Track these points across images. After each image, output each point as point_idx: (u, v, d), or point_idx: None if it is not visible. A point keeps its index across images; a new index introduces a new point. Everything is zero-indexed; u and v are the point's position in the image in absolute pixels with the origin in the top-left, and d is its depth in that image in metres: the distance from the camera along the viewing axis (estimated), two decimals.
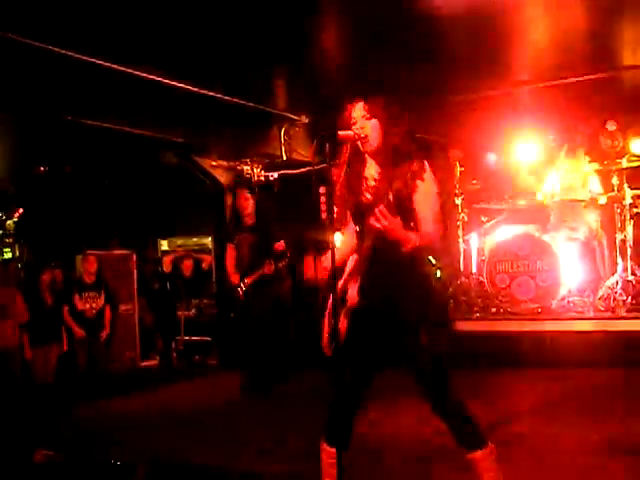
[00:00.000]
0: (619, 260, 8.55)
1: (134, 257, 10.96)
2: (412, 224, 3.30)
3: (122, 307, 10.39)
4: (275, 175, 10.58)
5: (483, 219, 9.82)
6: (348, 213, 3.52)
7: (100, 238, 11.61)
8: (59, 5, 5.80)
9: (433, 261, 9.17)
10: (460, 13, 6.30)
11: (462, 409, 3.38)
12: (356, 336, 3.38)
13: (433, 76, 8.09)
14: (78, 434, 6.41)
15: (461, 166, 9.86)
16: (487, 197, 9.94)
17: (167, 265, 12.09)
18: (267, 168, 10.61)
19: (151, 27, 6.45)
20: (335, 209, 3.39)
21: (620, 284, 8.41)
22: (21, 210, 13.22)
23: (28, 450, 5.10)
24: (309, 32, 7.02)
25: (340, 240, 3.57)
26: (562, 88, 8.65)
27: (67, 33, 6.39)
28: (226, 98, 8.64)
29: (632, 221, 8.68)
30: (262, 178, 10.47)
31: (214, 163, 10.76)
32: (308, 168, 9.44)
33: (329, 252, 3.21)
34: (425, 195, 3.30)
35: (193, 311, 11.40)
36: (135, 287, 10.88)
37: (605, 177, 9.05)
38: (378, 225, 3.10)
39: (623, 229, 8.63)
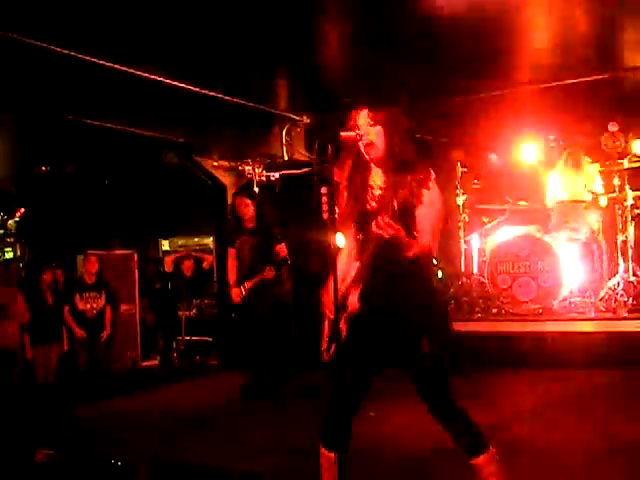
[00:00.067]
0: (620, 261, 8.55)
1: (135, 257, 10.96)
2: (415, 233, 3.28)
3: (123, 307, 10.39)
4: (276, 175, 10.58)
5: (484, 220, 9.82)
6: (350, 221, 3.51)
7: (101, 238, 11.61)
8: (60, 5, 5.81)
9: (435, 262, 9.16)
10: (462, 13, 6.30)
11: (463, 415, 3.37)
12: (355, 342, 3.38)
13: (435, 76, 8.09)
14: (79, 434, 6.41)
15: (462, 167, 9.86)
16: (488, 198, 9.94)
17: (168, 265, 12.08)
18: (268, 168, 10.60)
19: (152, 27, 6.45)
20: (339, 216, 3.39)
21: (621, 285, 8.41)
22: (22, 210, 13.23)
23: (29, 450, 5.10)
24: (310, 32, 7.01)
25: (341, 254, 3.56)
26: (564, 89, 8.64)
27: (68, 33, 6.39)
28: (227, 98, 8.64)
29: (633, 222, 8.69)
30: (263, 178, 10.46)
31: (215, 163, 10.77)
32: (310, 168, 9.46)
33: (330, 283, 3.22)
34: (428, 206, 3.27)
35: (194, 311, 11.41)
36: (136, 287, 10.88)
37: (606, 178, 9.05)
38: (383, 233, 3.08)
39: (624, 230, 8.63)
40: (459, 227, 9.75)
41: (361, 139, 3.37)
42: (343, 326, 3.35)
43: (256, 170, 10.43)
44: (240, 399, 7.49)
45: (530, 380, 7.21)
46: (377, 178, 3.46)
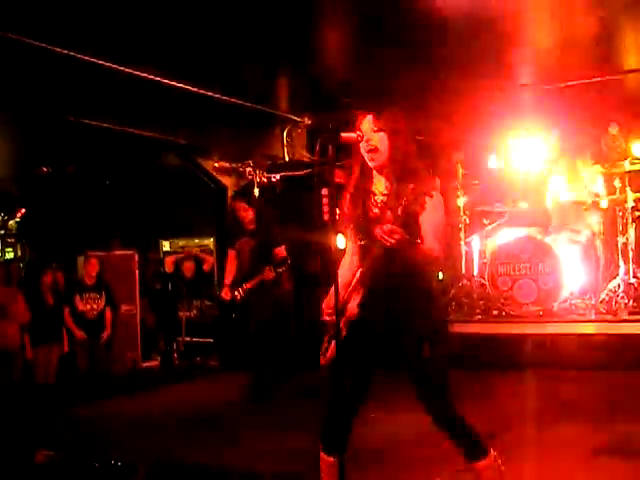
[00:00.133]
0: (621, 263, 8.55)
1: (136, 258, 10.96)
2: (418, 240, 3.27)
3: (124, 308, 10.38)
4: (277, 177, 10.58)
5: (485, 221, 9.82)
6: (352, 226, 3.50)
7: (102, 239, 11.61)
8: (61, 5, 5.81)
9: (440, 269, 9.19)
10: (463, 15, 6.31)
11: (463, 421, 3.38)
12: (355, 347, 3.38)
13: (436, 78, 8.10)
14: (79, 434, 6.40)
15: (463, 168, 9.85)
16: (489, 199, 9.93)
17: (169, 266, 12.09)
18: (269, 169, 10.61)
19: (154, 28, 6.46)
20: (340, 221, 3.40)
21: (622, 287, 8.40)
22: (23, 210, 13.24)
23: (29, 450, 5.10)
24: (311, 33, 7.02)
25: (342, 260, 3.56)
26: (565, 91, 8.65)
27: (70, 34, 6.40)
28: (229, 99, 8.65)
29: (634, 224, 8.68)
30: (264, 180, 10.47)
31: (216, 164, 10.77)
32: (311, 170, 9.47)
33: (330, 295, 3.22)
34: (431, 212, 3.24)
35: (195, 312, 11.41)
36: (137, 288, 10.88)
37: (607, 180, 9.05)
38: (388, 240, 3.06)
39: (625, 232, 8.62)
40: (460, 229, 9.74)
41: (361, 140, 3.37)
42: (343, 331, 3.35)
43: (257, 171, 10.44)
44: (241, 400, 7.49)
45: (530, 382, 7.19)
46: (379, 184, 3.45)
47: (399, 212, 3.06)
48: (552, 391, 6.81)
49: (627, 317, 8.15)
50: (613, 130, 9.08)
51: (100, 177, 12.12)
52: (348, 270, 3.50)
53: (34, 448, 5.14)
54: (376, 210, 3.39)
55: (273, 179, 10.63)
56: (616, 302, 8.35)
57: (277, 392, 7.55)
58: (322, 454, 3.46)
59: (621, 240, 8.62)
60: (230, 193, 10.71)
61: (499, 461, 3.41)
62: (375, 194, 3.44)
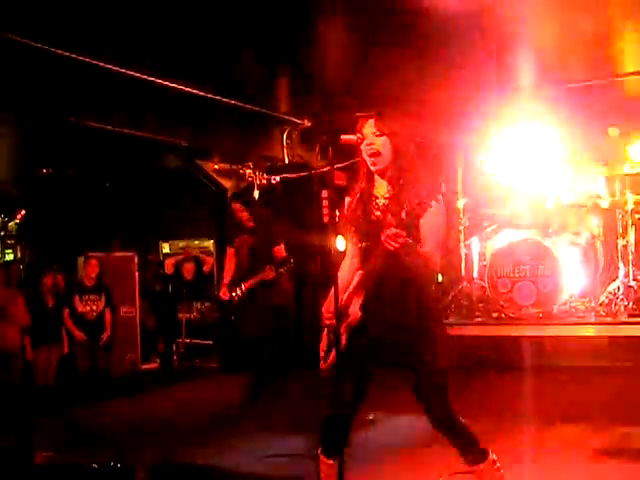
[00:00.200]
0: (621, 265, 8.55)
1: (136, 259, 10.97)
2: (418, 244, 3.26)
3: (123, 309, 10.39)
4: (277, 178, 10.58)
5: (485, 224, 9.81)
6: (353, 229, 3.50)
7: (102, 240, 11.61)
8: (62, 6, 5.82)
9: (439, 274, 9.18)
10: (464, 17, 6.31)
11: (462, 425, 3.38)
12: (356, 352, 3.38)
13: (435, 80, 8.09)
14: (78, 436, 6.41)
15: (463, 171, 9.85)
16: (489, 202, 9.93)
17: (169, 268, 12.09)
18: (269, 171, 10.61)
19: (155, 30, 6.46)
20: (341, 224, 3.40)
21: (622, 289, 8.40)
22: (23, 212, 13.23)
23: (29, 451, 5.11)
24: (311, 34, 7.02)
25: (342, 263, 3.56)
26: (564, 93, 8.65)
27: (70, 35, 6.40)
28: (229, 101, 8.66)
29: (634, 227, 8.68)
30: (264, 181, 10.46)
31: (216, 166, 10.77)
32: (310, 172, 9.47)
33: (329, 299, 3.22)
34: (433, 217, 3.22)
35: (194, 314, 11.41)
36: (137, 289, 10.88)
37: (607, 183, 9.05)
38: (392, 244, 3.05)
39: (625, 234, 8.62)
40: (459, 231, 9.73)
41: (361, 143, 3.37)
42: (343, 334, 3.35)
43: (257, 173, 10.43)
44: (240, 401, 7.48)
45: (530, 384, 7.20)
46: (381, 188, 3.45)
47: (403, 216, 3.06)
48: (552, 393, 6.81)
49: (627, 319, 8.14)
50: (613, 133, 9.08)
51: (100, 179, 12.12)
52: (347, 273, 3.50)
53: (34, 449, 5.15)
54: (378, 213, 3.39)
55: (273, 181, 10.63)
56: (616, 304, 8.34)
57: (277, 392, 7.54)
58: (321, 456, 3.47)
59: (621, 243, 8.62)
60: (230, 195, 10.71)
61: (498, 464, 3.41)
62: (377, 197, 3.44)
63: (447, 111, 9.18)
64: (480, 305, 9.27)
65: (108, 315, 9.40)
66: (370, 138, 3.36)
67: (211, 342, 11.04)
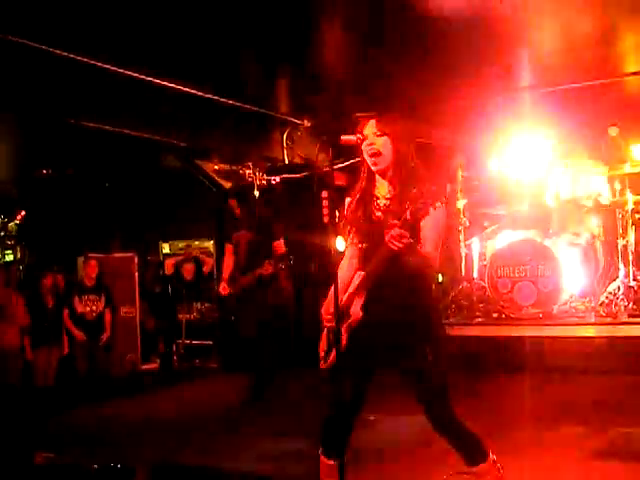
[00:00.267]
0: (621, 265, 8.54)
1: (136, 260, 10.96)
2: (418, 244, 3.25)
3: (123, 310, 10.39)
4: (277, 179, 10.58)
5: (485, 224, 9.82)
6: (353, 229, 3.50)
7: (102, 241, 11.61)
8: (62, 7, 5.81)
9: (439, 275, 9.19)
10: (463, 17, 6.31)
11: (462, 425, 3.38)
12: (357, 352, 3.38)
13: (436, 80, 8.09)
14: (78, 436, 6.40)
15: (463, 171, 9.85)
16: (489, 202, 9.93)
17: (169, 268, 12.10)
18: (269, 172, 10.61)
19: (155, 30, 6.46)
20: (341, 224, 3.40)
21: (622, 290, 8.40)
22: (23, 213, 13.23)
23: (29, 452, 5.10)
24: (311, 35, 7.02)
25: (341, 263, 3.55)
26: (565, 93, 8.65)
27: (70, 35, 6.40)
28: (229, 102, 8.66)
29: (634, 227, 8.68)
30: (264, 182, 10.47)
31: (216, 167, 10.77)
32: (310, 172, 9.47)
33: (329, 300, 3.22)
34: (434, 217, 3.22)
35: (194, 314, 11.40)
36: (137, 290, 10.88)
37: (607, 182, 9.05)
38: (397, 244, 3.05)
39: (625, 234, 8.62)
40: (460, 231, 9.73)
41: (362, 143, 3.37)
42: (344, 334, 3.34)
43: (257, 174, 10.44)
44: (240, 401, 7.47)
45: (530, 385, 7.19)
46: (382, 188, 3.45)
47: (408, 216, 3.05)
48: (552, 393, 6.80)
49: (627, 320, 8.15)
50: (613, 132, 9.08)
51: (100, 179, 12.12)
52: (347, 273, 3.49)
53: (33, 450, 5.15)
54: (379, 214, 3.39)
55: (273, 181, 10.63)
56: (616, 305, 8.35)
57: (277, 392, 7.54)
58: (322, 457, 3.46)
59: (621, 243, 8.62)
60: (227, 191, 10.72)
61: (498, 465, 3.41)
62: (378, 198, 3.44)
63: (448, 111, 9.17)
64: (480, 305, 9.27)
65: (108, 315, 9.40)
66: (371, 138, 3.36)
67: (211, 342, 11.04)
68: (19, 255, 13.46)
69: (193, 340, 11.14)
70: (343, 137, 3.30)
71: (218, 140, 9.77)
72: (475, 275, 9.67)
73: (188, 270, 11.64)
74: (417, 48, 7.14)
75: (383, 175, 3.43)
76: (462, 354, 7.79)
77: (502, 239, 9.52)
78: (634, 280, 8.44)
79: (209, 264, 11.89)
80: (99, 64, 6.98)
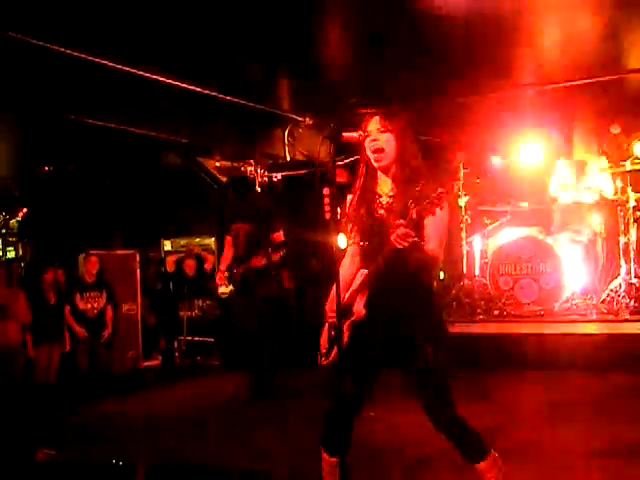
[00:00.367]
0: (622, 263, 8.54)
1: (137, 257, 10.96)
2: (422, 241, 3.22)
3: (125, 307, 10.38)
4: (279, 176, 10.58)
5: (486, 221, 9.81)
6: (355, 227, 3.49)
7: (103, 238, 11.61)
8: (61, 3, 5.81)
9: (441, 271, 9.19)
10: (465, 14, 6.30)
11: (464, 422, 3.37)
12: (359, 349, 3.38)
13: (437, 77, 8.09)
14: (79, 433, 6.41)
15: (465, 168, 9.84)
16: (490, 199, 9.93)
17: (170, 265, 12.09)
18: (270, 169, 10.61)
19: (156, 27, 6.46)
20: (343, 221, 3.40)
21: (623, 287, 8.40)
22: (24, 210, 13.23)
23: (30, 449, 5.10)
24: (312, 32, 7.02)
25: (343, 261, 3.55)
26: (566, 90, 8.65)
27: (70, 32, 6.40)
28: (230, 99, 8.65)
29: (636, 224, 8.67)
30: (265, 179, 10.47)
31: (218, 164, 10.77)
32: (312, 169, 9.46)
33: (332, 297, 3.22)
34: (438, 217, 3.19)
35: (196, 311, 11.40)
36: (138, 287, 10.87)
37: (609, 180, 9.04)
38: (402, 243, 3.04)
39: (627, 232, 8.62)
40: (461, 228, 9.73)
41: (363, 140, 3.36)
42: (346, 332, 3.34)
43: (258, 171, 10.44)
44: (242, 399, 7.47)
45: (532, 382, 7.19)
46: (385, 185, 3.44)
47: (414, 215, 3.04)
48: (553, 391, 6.80)
49: (628, 317, 8.15)
50: (615, 130, 9.07)
51: (101, 176, 12.12)
52: (349, 270, 3.49)
53: (35, 447, 5.15)
54: (381, 212, 3.38)
55: (274, 178, 10.63)
56: (617, 302, 8.35)
57: (278, 391, 7.54)
58: (324, 454, 3.46)
59: (623, 240, 8.62)
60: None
61: (500, 462, 3.40)
62: (380, 195, 3.43)
63: (450, 108, 9.17)
64: (482, 302, 9.27)
65: (109, 312, 9.40)
66: (374, 134, 3.36)
67: (212, 339, 11.04)
68: (21, 252, 13.46)
69: (195, 337, 11.14)
70: (345, 134, 3.30)
71: (219, 137, 9.77)
72: (477, 272, 9.68)
73: (190, 266, 11.61)
74: (419, 44, 7.13)
75: (385, 172, 3.42)
76: (463, 351, 7.79)
77: (504, 236, 9.52)
78: (635, 277, 8.44)
79: (210, 261, 11.88)
80: (100, 61, 6.98)
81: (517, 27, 7.02)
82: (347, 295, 3.39)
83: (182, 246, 12.65)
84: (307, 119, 10.07)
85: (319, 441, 3.49)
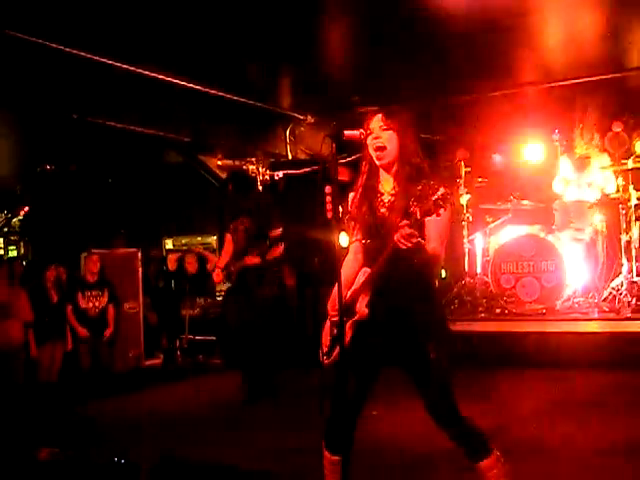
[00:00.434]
0: (624, 261, 8.54)
1: (139, 255, 10.96)
2: (423, 240, 3.22)
3: (127, 305, 10.37)
4: (280, 174, 10.58)
5: (488, 219, 9.81)
6: (358, 225, 3.49)
7: (105, 236, 11.62)
8: (64, 3, 5.81)
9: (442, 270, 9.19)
10: (467, 14, 6.30)
11: (466, 421, 3.37)
12: (362, 348, 3.38)
13: (439, 76, 8.09)
14: (82, 432, 6.41)
15: (466, 166, 9.84)
16: (492, 197, 9.92)
17: (172, 263, 12.09)
18: (272, 167, 10.61)
19: (158, 25, 6.46)
20: (345, 220, 3.40)
21: (625, 285, 8.40)
22: (26, 208, 13.25)
23: (33, 448, 5.11)
24: (314, 31, 7.01)
25: (345, 259, 3.55)
26: (568, 89, 8.64)
27: (73, 32, 6.40)
28: (232, 97, 8.65)
29: (637, 222, 8.67)
30: (267, 177, 10.47)
31: (219, 162, 10.78)
32: (313, 167, 9.46)
33: (334, 295, 3.23)
34: (440, 217, 3.16)
35: (198, 310, 11.40)
36: (140, 285, 10.87)
37: (611, 178, 9.03)
38: (406, 243, 3.03)
39: (628, 230, 8.62)
40: (463, 226, 9.73)
41: (365, 138, 3.36)
42: (348, 331, 3.34)
43: (260, 169, 10.44)
44: (242, 399, 7.47)
45: (533, 380, 7.20)
46: (387, 184, 3.44)
47: (418, 216, 3.04)
48: (554, 389, 6.81)
49: (630, 315, 8.14)
50: (617, 128, 9.07)
51: (103, 175, 12.13)
52: (351, 269, 3.48)
53: (38, 445, 5.15)
54: (383, 210, 3.38)
55: (276, 177, 10.64)
56: (619, 300, 8.35)
57: (278, 391, 7.54)
58: (325, 452, 3.46)
59: (624, 238, 8.62)
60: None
61: (502, 460, 3.40)
62: (382, 194, 3.43)
63: (452, 106, 9.17)
64: (483, 301, 9.27)
65: (111, 311, 9.39)
66: (377, 132, 3.36)
67: (214, 338, 11.04)
68: (22, 251, 13.48)
69: (196, 336, 11.14)
70: (346, 132, 3.29)
71: (221, 135, 9.77)
72: (478, 271, 9.68)
73: (191, 262, 11.61)
74: (421, 43, 7.12)
75: (387, 170, 3.42)
76: (465, 350, 7.80)
77: (505, 234, 9.52)
78: (637, 276, 8.44)
79: (212, 260, 11.88)
80: (103, 60, 6.98)
81: (519, 25, 7.01)
82: (349, 293, 3.39)
83: (184, 244, 12.66)
84: (309, 117, 10.08)
85: (320, 440, 3.49)
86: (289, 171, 10.55)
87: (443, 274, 9.72)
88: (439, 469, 4.63)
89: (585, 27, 7.24)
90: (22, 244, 13.49)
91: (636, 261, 8.51)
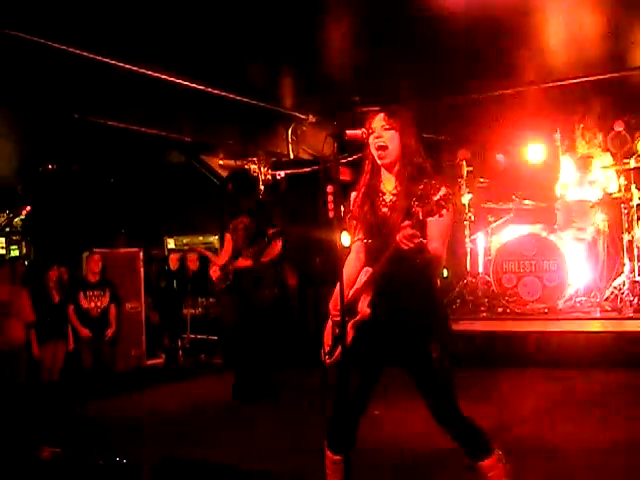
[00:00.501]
0: (626, 261, 8.53)
1: (141, 255, 10.96)
2: (424, 239, 3.21)
3: (128, 305, 10.38)
4: (282, 174, 10.58)
5: (490, 219, 9.81)
6: (359, 225, 3.49)
7: (107, 236, 11.62)
8: (66, 3, 5.82)
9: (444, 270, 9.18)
10: (468, 13, 6.29)
11: (468, 420, 3.37)
12: (364, 348, 3.37)
13: (440, 76, 8.08)
14: (84, 432, 6.42)
15: (468, 166, 9.85)
16: (494, 197, 9.93)
17: (174, 263, 12.09)
18: (274, 167, 10.61)
19: (160, 25, 6.46)
20: (347, 219, 3.40)
21: (627, 285, 8.40)
22: (28, 208, 13.25)
23: (34, 447, 5.11)
24: (316, 31, 7.01)
25: (347, 259, 3.55)
26: (569, 88, 8.63)
27: (75, 31, 6.40)
28: (234, 97, 8.65)
29: (639, 222, 8.66)
30: (269, 177, 10.47)
31: (221, 162, 10.78)
32: (315, 167, 9.47)
33: (336, 295, 3.23)
34: (442, 217, 3.17)
35: (199, 310, 11.40)
36: (142, 285, 10.87)
37: (613, 177, 9.03)
38: (408, 244, 3.03)
39: (630, 229, 8.61)
40: (465, 226, 9.73)
41: (367, 137, 3.37)
42: (350, 331, 3.34)
43: (262, 169, 10.44)
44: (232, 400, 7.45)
45: (535, 380, 7.20)
46: (388, 183, 3.44)
47: (420, 216, 3.04)
48: (556, 388, 6.81)
49: (632, 315, 8.15)
50: (619, 127, 9.06)
51: (105, 175, 12.13)
52: (353, 268, 3.49)
53: (39, 445, 5.16)
54: (385, 209, 3.38)
55: (278, 176, 10.64)
56: (621, 300, 8.35)
57: (281, 390, 7.54)
58: (327, 452, 3.46)
59: (626, 238, 8.62)
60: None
61: (503, 460, 3.40)
62: (384, 193, 3.43)
63: (454, 106, 9.16)
64: (485, 300, 9.28)
65: (113, 310, 9.40)
66: (379, 131, 3.36)
67: (216, 337, 11.04)
68: (24, 250, 13.48)
69: (198, 335, 11.14)
70: (348, 132, 3.30)
71: (223, 135, 9.77)
72: (480, 270, 9.68)
73: (193, 260, 11.60)
74: (423, 43, 7.12)
75: (389, 170, 3.42)
76: (467, 349, 7.80)
77: (507, 234, 9.52)
78: (639, 275, 8.43)
79: (214, 259, 11.86)
80: (105, 60, 6.98)
81: (521, 25, 7.00)
82: (351, 293, 3.39)
83: (185, 244, 12.66)
84: (311, 117, 10.07)
85: (322, 440, 3.49)
86: (291, 171, 10.55)
87: (445, 273, 9.72)
88: (440, 469, 4.63)
89: (586, 26, 7.24)
90: (24, 244, 13.49)
91: (638, 260, 8.51)
